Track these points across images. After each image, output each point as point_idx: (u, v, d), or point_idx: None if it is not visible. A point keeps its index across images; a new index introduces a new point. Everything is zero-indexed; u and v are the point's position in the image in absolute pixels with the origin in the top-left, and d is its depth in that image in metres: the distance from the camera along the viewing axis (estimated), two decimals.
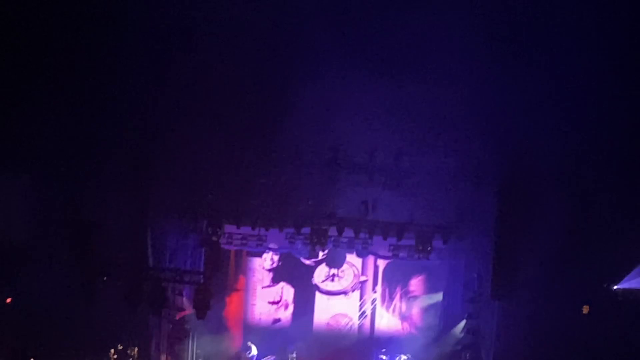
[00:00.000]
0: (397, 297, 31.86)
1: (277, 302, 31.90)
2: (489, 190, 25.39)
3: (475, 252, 27.56)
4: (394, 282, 31.87)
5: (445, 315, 30.45)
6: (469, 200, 26.13)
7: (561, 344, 24.63)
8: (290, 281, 31.92)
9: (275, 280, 31.94)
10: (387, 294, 31.97)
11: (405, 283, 31.79)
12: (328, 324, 31.83)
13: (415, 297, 31.84)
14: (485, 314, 27.43)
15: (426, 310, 31.58)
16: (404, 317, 31.81)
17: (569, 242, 24.40)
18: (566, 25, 21.61)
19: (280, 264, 31.76)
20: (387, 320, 31.93)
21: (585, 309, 25.51)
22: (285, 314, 31.88)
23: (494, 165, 24.92)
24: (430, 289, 31.60)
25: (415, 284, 31.76)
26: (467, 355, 28.32)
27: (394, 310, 31.92)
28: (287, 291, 31.93)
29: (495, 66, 22.43)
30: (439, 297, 31.25)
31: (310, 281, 31.84)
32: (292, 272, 31.83)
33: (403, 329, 31.77)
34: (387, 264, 31.52)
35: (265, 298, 31.93)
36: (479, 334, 27.82)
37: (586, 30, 21.46)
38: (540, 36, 22.09)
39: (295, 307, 31.87)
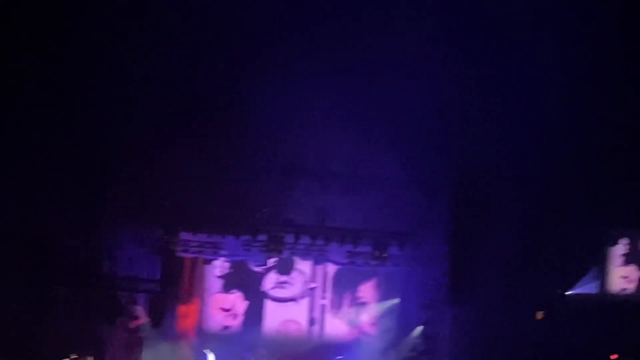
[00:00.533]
0: (346, 303, 31.90)
1: (229, 309, 31.77)
2: (444, 197, 25.58)
3: (431, 259, 27.61)
4: (343, 288, 31.89)
5: (400, 322, 30.43)
6: (424, 207, 26.28)
7: (516, 349, 24.84)
8: (240, 288, 31.80)
9: (226, 287, 31.77)
10: (335, 300, 31.99)
11: (354, 289, 31.81)
12: (278, 330, 31.75)
13: (364, 304, 31.87)
14: (441, 321, 27.49)
15: (381, 316, 31.60)
16: (353, 324, 31.83)
17: (523, 249, 24.67)
18: (520, 35, 21.83)
19: (230, 271, 31.65)
20: (336, 327, 31.93)
21: (539, 315, 25.76)
22: (236, 321, 31.73)
23: (449, 172, 25.09)
24: (382, 295, 31.63)
25: (365, 290, 31.79)
26: None
27: (342, 317, 31.95)
28: (237, 298, 31.82)
29: (451, 75, 22.59)
30: (393, 303, 31.29)
31: (260, 288, 31.79)
32: (242, 279, 31.70)
33: (353, 335, 31.79)
34: (336, 271, 31.53)
35: (217, 305, 31.79)
36: (435, 340, 27.86)
37: (541, 38, 21.69)
38: (496, 46, 22.29)
39: (245, 314, 31.77)
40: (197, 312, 31.57)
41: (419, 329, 28.72)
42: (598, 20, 21.69)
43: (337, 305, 31.97)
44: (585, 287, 25.86)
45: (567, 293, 25.78)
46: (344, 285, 31.86)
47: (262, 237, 27.54)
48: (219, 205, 26.51)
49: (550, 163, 23.81)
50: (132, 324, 28.11)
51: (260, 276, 31.65)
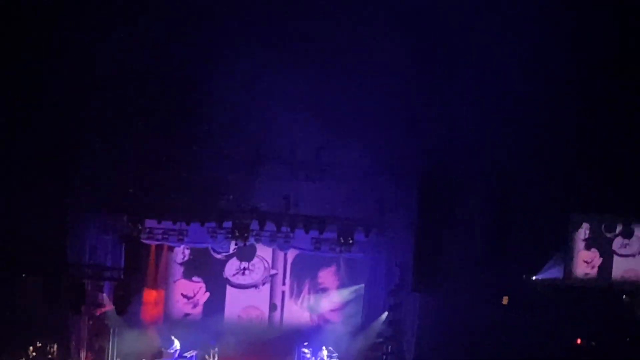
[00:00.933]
0: (306, 289, 32.07)
1: (191, 296, 31.84)
2: (411, 184, 25.58)
3: (397, 245, 27.73)
4: (302, 275, 32.08)
5: (366, 308, 30.63)
6: (390, 194, 26.27)
7: (481, 334, 25.07)
8: (202, 275, 31.91)
9: (187, 274, 31.88)
10: (295, 286, 32.16)
11: (313, 276, 32.00)
12: (239, 316, 31.87)
13: (325, 290, 32.04)
14: (406, 307, 27.63)
15: (346, 303, 31.76)
16: (313, 310, 32.02)
17: (488, 235, 24.86)
18: (486, 27, 21.93)
19: (191, 257, 31.70)
20: (297, 313, 32.10)
21: (505, 300, 26.02)
22: (197, 309, 31.84)
23: (415, 159, 25.12)
24: (348, 281, 31.81)
25: (325, 276, 32.00)
26: (389, 347, 28.47)
27: (302, 303, 32.13)
28: (199, 285, 31.90)
29: (418, 61, 22.66)
30: (358, 289, 31.45)
31: (222, 275, 31.87)
32: (204, 265, 31.82)
33: (315, 322, 31.96)
34: (295, 257, 31.67)
35: (180, 292, 31.85)
36: (400, 326, 28.01)
37: (506, 31, 21.81)
38: (462, 35, 22.37)
39: (207, 301, 31.88)
40: (161, 299, 31.60)
41: (385, 315, 28.88)
42: (557, 18, 21.95)
43: (296, 292, 32.14)
44: (550, 272, 26.16)
45: (532, 278, 26.06)
46: (304, 272, 32.03)
47: (228, 224, 27.43)
48: (184, 192, 26.37)
49: (515, 152, 23.97)
50: (97, 312, 28.03)
51: (221, 263, 31.77)
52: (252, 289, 32.11)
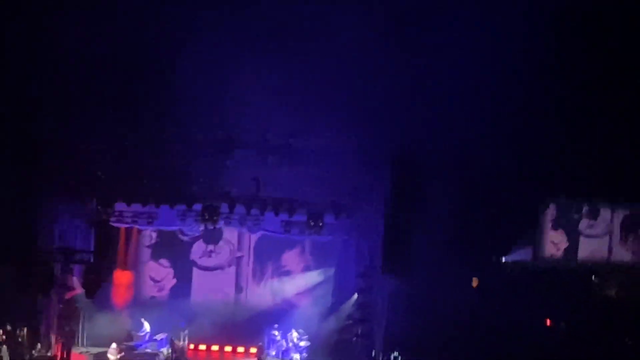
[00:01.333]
0: (269, 272, 32.14)
1: (158, 280, 31.86)
2: (381, 167, 25.66)
3: (367, 228, 27.80)
4: (265, 257, 32.13)
5: (336, 290, 30.72)
6: (360, 177, 26.31)
7: (451, 316, 25.27)
8: (168, 257, 31.92)
9: (154, 256, 31.88)
10: (258, 269, 32.23)
11: (277, 258, 32.06)
12: (206, 298, 31.88)
13: (289, 272, 32.11)
14: (376, 289, 27.73)
15: (315, 285, 31.83)
16: (277, 293, 32.09)
17: (458, 217, 25.02)
18: (463, 17, 22.01)
19: (159, 240, 31.67)
20: (261, 296, 32.15)
21: (475, 282, 26.24)
22: (163, 292, 31.86)
23: (385, 143, 25.22)
24: (318, 263, 31.88)
25: (288, 259, 32.07)
26: (359, 329, 28.59)
27: (265, 286, 32.19)
28: (167, 270, 31.92)
29: (389, 47, 22.70)
30: (328, 272, 31.54)
31: (188, 257, 31.89)
32: (171, 248, 31.80)
33: (280, 304, 32.01)
34: (258, 239, 31.68)
35: (148, 274, 31.85)
36: (370, 309, 28.12)
37: (483, 22, 21.91)
38: (436, 21, 22.42)
39: (174, 283, 31.93)
40: (131, 282, 31.59)
41: (355, 297, 29.00)
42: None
43: (259, 275, 32.19)
44: (519, 254, 26.39)
45: (502, 260, 26.28)
46: (267, 254, 32.05)
47: (197, 206, 27.42)
48: (155, 176, 26.33)
49: (484, 136, 24.10)
50: (67, 295, 27.97)
51: (188, 245, 31.78)
52: (218, 271, 32.15)
